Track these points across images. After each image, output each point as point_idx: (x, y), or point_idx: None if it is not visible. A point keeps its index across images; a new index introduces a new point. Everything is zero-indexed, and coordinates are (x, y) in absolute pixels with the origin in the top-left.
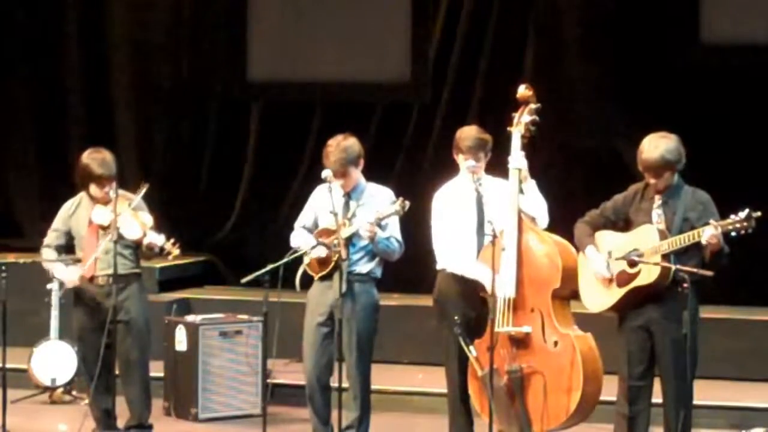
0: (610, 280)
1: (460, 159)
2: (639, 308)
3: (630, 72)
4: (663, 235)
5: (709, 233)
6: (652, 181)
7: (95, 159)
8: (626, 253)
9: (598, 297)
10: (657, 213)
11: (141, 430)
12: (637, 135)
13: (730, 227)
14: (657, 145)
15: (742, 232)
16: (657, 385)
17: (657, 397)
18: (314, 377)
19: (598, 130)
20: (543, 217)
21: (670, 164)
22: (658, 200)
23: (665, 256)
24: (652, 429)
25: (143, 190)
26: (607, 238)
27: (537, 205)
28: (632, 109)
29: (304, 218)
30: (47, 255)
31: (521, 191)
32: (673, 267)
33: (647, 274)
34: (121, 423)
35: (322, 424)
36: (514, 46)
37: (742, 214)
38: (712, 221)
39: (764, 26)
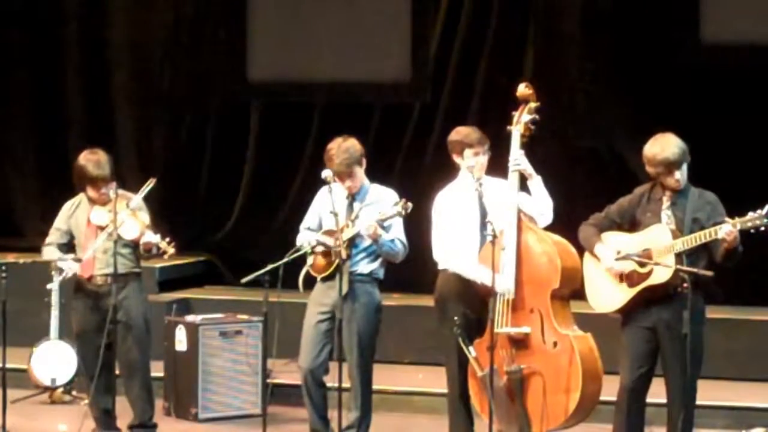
0: (621, 278)
1: (460, 160)
2: (646, 309)
3: (630, 72)
4: (675, 235)
5: (726, 229)
6: (677, 176)
7: (90, 160)
8: (637, 252)
9: (607, 298)
10: (666, 214)
11: (144, 430)
12: (637, 135)
13: (750, 224)
14: (668, 142)
15: (762, 228)
16: (660, 386)
17: (660, 397)
18: (308, 373)
19: (598, 130)
20: (548, 215)
21: (686, 154)
22: (666, 201)
23: (678, 256)
24: (655, 429)
25: (150, 185)
26: (614, 238)
27: (543, 202)
28: (632, 109)
29: (309, 220)
30: (48, 253)
31: (527, 189)
32: (673, 267)
33: (660, 274)
34: (125, 423)
35: (319, 418)
36: (514, 45)
37: (762, 211)
38: (728, 219)
39: (764, 26)
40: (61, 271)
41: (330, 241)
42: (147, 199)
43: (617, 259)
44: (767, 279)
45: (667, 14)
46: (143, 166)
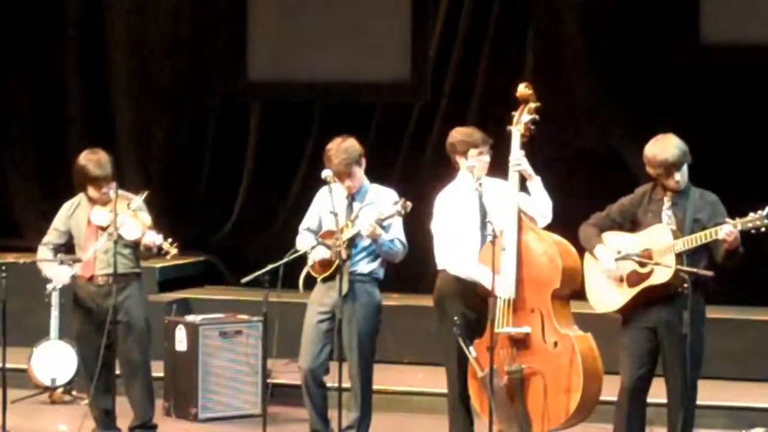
0: (621, 280)
1: (463, 160)
2: (646, 309)
3: (630, 72)
4: (675, 236)
5: (727, 230)
6: (677, 177)
7: (91, 160)
8: (638, 252)
9: (608, 298)
10: (667, 214)
11: (145, 430)
12: (637, 135)
13: (751, 224)
14: (669, 143)
15: (763, 229)
16: (661, 386)
17: (660, 397)
18: (309, 373)
19: (598, 130)
20: (547, 215)
21: (686, 155)
22: (667, 201)
23: (678, 256)
24: (655, 429)
25: (143, 195)
26: (614, 238)
27: (542, 203)
28: (632, 109)
29: (309, 220)
30: (42, 253)
31: (526, 189)
32: (674, 267)
33: (661, 274)
34: (124, 423)
35: (319, 418)
36: (514, 46)
37: (763, 212)
38: (729, 219)
39: (764, 26)
40: (48, 281)
41: (330, 241)
42: (146, 201)
43: (617, 259)
44: (767, 279)
45: (666, 14)
46: (143, 166)
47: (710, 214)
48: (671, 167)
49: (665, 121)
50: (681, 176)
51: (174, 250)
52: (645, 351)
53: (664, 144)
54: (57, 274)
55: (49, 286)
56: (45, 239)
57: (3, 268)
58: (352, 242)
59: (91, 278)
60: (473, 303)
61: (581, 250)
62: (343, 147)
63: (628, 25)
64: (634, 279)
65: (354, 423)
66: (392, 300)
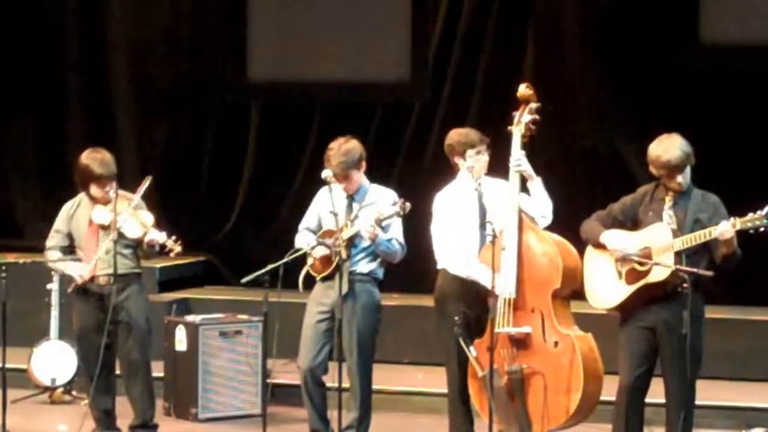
0: (621, 274)
1: (462, 161)
2: (645, 308)
3: (630, 72)
4: (675, 235)
5: (722, 228)
6: (679, 179)
7: (95, 159)
8: (637, 251)
9: (606, 294)
10: (668, 214)
11: (146, 430)
12: (637, 135)
13: (750, 224)
14: (672, 144)
15: (762, 229)
16: (660, 386)
17: (660, 397)
18: (308, 373)
19: (598, 130)
20: (548, 216)
21: (690, 157)
22: (669, 201)
23: (678, 255)
24: (655, 429)
25: (146, 184)
26: (615, 236)
27: (543, 204)
28: (632, 109)
29: (308, 220)
30: (53, 256)
31: (526, 190)
32: (673, 267)
33: (659, 272)
34: (124, 423)
35: (318, 418)
36: (514, 46)
37: (762, 212)
38: (730, 219)
39: (764, 26)
40: (70, 279)
41: (329, 241)
42: (145, 198)
43: (617, 259)
44: (767, 279)
45: (667, 14)
46: (143, 166)
47: (711, 214)
48: (674, 169)
49: (665, 121)
50: (683, 178)
51: (178, 248)
52: (644, 351)
53: (667, 145)
54: (78, 271)
55: (50, 286)
56: (49, 243)
57: (3, 268)
58: (351, 242)
59: (91, 278)
60: (473, 303)
61: (581, 250)
62: (343, 149)
63: (628, 25)
64: (632, 277)
65: (354, 423)
66: (392, 300)
